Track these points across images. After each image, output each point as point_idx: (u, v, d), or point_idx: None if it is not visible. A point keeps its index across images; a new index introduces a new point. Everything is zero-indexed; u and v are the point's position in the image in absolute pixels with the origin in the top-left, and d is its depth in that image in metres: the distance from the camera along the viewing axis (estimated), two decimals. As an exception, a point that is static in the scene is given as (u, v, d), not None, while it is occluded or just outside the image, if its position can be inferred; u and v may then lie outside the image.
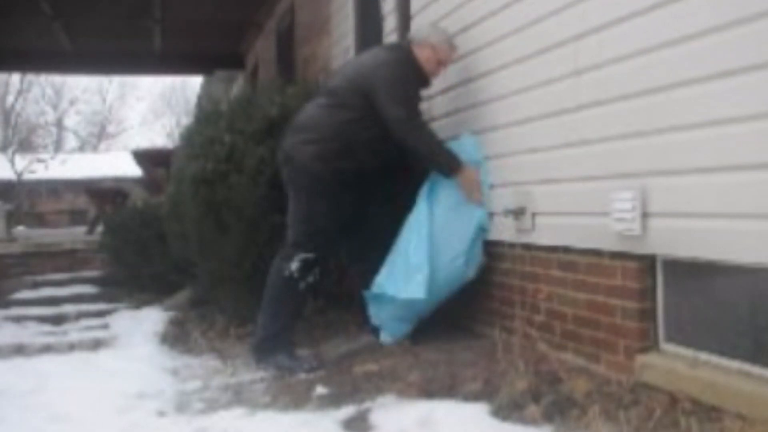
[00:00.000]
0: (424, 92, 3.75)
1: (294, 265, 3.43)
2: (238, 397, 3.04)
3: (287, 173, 3.56)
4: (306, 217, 3.49)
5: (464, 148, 3.54)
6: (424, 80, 3.59)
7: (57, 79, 35.10)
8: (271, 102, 4.13)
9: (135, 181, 16.28)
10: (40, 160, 30.50)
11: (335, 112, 3.48)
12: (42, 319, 5.16)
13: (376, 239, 3.62)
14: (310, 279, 3.47)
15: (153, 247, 5.69)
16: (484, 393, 2.64)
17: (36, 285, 6.41)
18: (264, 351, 3.46)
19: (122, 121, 45.55)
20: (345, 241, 3.75)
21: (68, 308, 5.44)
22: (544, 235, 3.12)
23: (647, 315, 2.59)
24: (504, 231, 3.39)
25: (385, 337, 3.52)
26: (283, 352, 3.41)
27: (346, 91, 3.49)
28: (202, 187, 4.00)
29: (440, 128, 3.79)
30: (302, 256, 3.44)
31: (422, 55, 3.52)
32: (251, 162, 3.90)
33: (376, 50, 3.78)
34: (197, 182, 4.01)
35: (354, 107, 3.44)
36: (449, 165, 3.41)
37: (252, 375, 3.37)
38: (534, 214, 3.18)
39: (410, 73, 3.49)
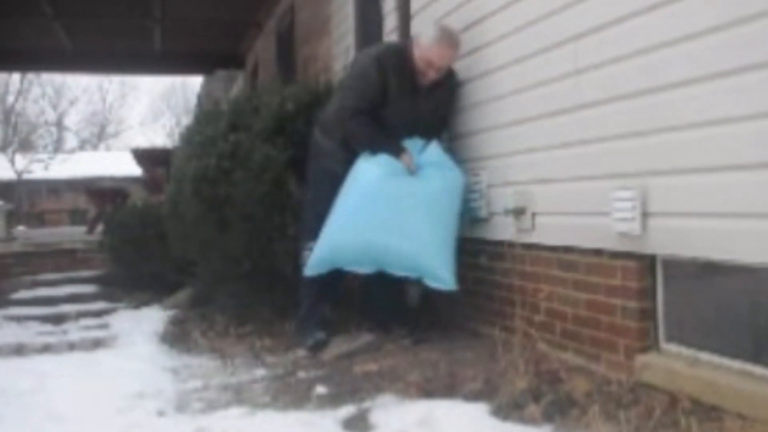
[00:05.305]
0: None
1: (305, 253, 3.64)
2: (238, 396, 3.04)
3: (309, 163, 3.82)
4: (312, 206, 3.70)
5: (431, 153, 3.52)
6: (413, 76, 3.53)
7: (57, 79, 35.14)
8: (284, 99, 4.13)
9: (135, 180, 16.28)
10: (38, 161, 30.53)
11: (337, 105, 3.71)
12: (42, 319, 5.15)
13: None
14: None
15: (153, 246, 5.68)
16: (484, 392, 2.64)
17: (36, 284, 6.39)
18: (299, 332, 3.83)
19: (122, 120, 45.55)
20: None
21: (68, 308, 5.42)
22: (544, 235, 3.12)
23: (647, 315, 2.59)
24: (504, 231, 3.39)
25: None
26: (311, 330, 3.69)
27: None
28: (204, 185, 3.99)
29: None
30: (310, 244, 3.59)
31: (415, 53, 3.51)
32: (257, 159, 3.91)
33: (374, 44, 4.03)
34: (198, 180, 4.01)
35: None
36: (392, 152, 3.44)
37: (252, 375, 3.37)
38: (534, 214, 3.18)
39: (386, 69, 3.49)
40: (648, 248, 2.53)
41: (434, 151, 3.51)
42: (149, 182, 9.43)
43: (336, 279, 3.64)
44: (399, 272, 3.36)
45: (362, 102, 3.52)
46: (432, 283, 3.31)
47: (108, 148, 40.16)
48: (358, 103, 3.52)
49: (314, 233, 3.51)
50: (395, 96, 3.52)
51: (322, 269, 3.46)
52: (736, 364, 2.28)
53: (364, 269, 3.41)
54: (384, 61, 3.51)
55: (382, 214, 3.30)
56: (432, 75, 3.52)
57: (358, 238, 3.32)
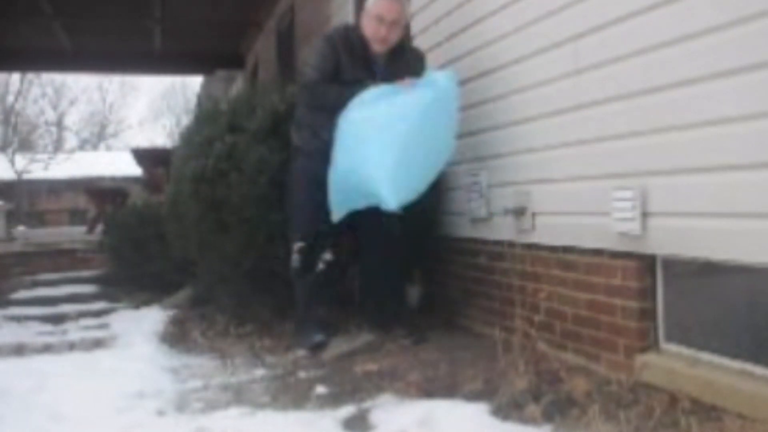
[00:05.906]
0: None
1: (294, 256, 3.64)
2: (238, 396, 3.04)
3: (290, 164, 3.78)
4: (292, 206, 3.71)
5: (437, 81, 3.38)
6: (365, 50, 3.53)
7: (57, 79, 35.08)
8: (281, 98, 4.12)
9: (135, 180, 16.28)
10: (38, 161, 30.57)
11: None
12: (42, 319, 5.14)
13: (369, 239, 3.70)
14: (321, 266, 3.63)
15: (153, 246, 5.68)
16: (484, 392, 2.64)
17: (35, 284, 6.40)
18: (298, 333, 3.79)
19: (122, 120, 45.56)
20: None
21: (68, 308, 5.42)
22: (544, 235, 3.12)
23: (647, 315, 2.59)
24: (504, 231, 3.39)
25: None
26: (310, 331, 3.64)
27: None
28: (203, 186, 3.99)
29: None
30: (297, 246, 3.62)
31: (364, 21, 3.54)
32: (251, 160, 3.90)
33: None
34: (197, 181, 4.01)
35: None
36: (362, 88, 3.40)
37: (252, 375, 3.37)
38: (534, 214, 3.18)
39: (335, 44, 3.53)
40: (648, 248, 2.53)
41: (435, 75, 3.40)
42: (149, 182, 9.45)
43: (328, 279, 3.61)
44: (371, 201, 3.28)
45: (320, 73, 3.55)
46: (382, 205, 3.22)
47: (108, 148, 40.15)
48: (317, 75, 3.56)
49: (300, 233, 3.53)
50: (350, 71, 3.52)
51: (340, 214, 3.42)
52: (736, 364, 2.28)
53: (359, 206, 3.37)
54: (334, 38, 3.58)
55: (349, 144, 3.30)
56: (383, 32, 3.48)
57: (338, 173, 3.34)
